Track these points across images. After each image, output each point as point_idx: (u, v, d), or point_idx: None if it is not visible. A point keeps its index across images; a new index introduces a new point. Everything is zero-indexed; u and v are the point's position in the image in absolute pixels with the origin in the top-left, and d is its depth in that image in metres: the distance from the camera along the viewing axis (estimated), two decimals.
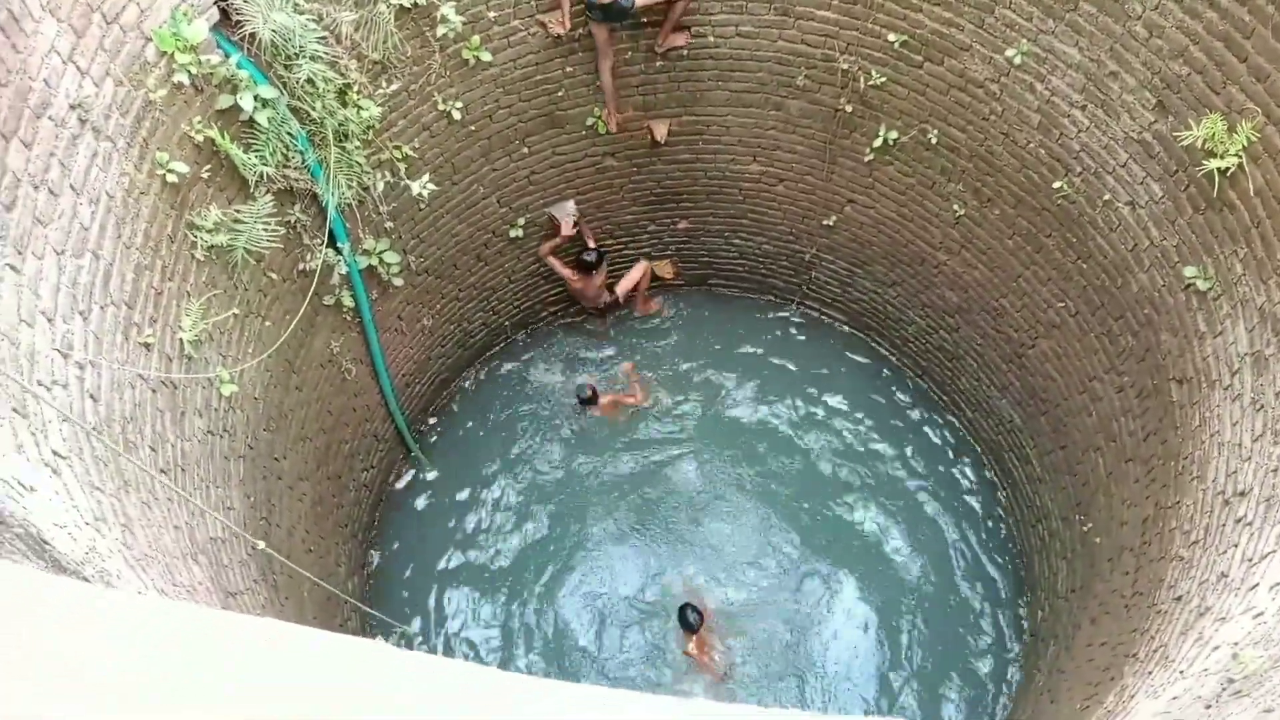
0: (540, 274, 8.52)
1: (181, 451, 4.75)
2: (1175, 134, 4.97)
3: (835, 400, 8.69)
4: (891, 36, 6.27)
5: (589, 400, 8.39)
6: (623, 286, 8.62)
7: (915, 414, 8.62)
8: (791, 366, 8.89)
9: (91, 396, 3.99)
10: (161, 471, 4.45)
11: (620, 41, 6.74)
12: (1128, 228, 5.60)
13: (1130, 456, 5.91)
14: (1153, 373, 5.62)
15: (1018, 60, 5.73)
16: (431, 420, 8.78)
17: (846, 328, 9.01)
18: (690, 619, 7.30)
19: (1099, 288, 6.05)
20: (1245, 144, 4.55)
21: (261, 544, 4.79)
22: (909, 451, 8.42)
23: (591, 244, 8.21)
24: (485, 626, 7.82)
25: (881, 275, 8.10)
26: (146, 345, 4.50)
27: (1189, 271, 5.12)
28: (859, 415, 8.60)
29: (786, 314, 9.16)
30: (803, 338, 9.05)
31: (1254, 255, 4.66)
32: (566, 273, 8.26)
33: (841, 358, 8.92)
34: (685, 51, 6.88)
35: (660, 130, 7.40)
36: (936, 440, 8.50)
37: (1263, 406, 4.42)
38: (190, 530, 4.61)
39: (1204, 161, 4.74)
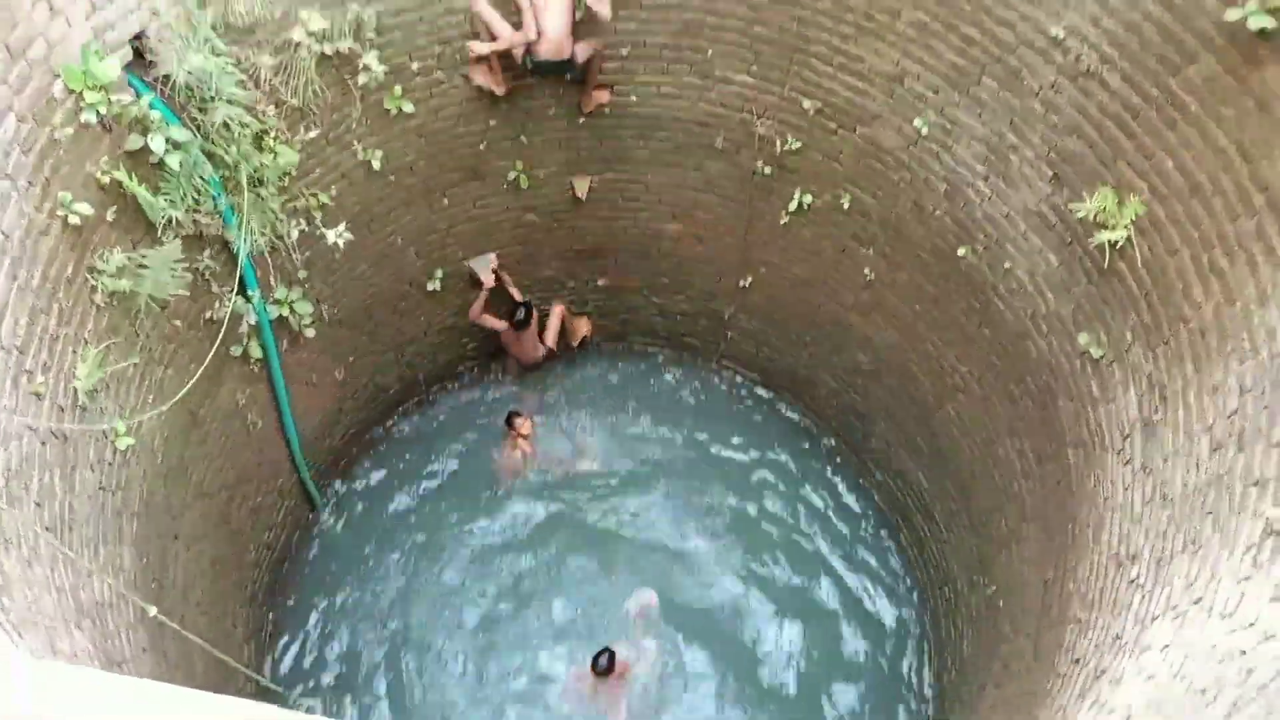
0: (458, 327, 8.45)
1: (70, 507, 4.50)
2: (1070, 206, 5.24)
3: (748, 458, 8.76)
4: (806, 104, 6.49)
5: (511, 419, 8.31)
6: (550, 337, 8.57)
7: (827, 474, 8.74)
8: (706, 424, 8.94)
9: None
10: (46, 529, 4.21)
11: (545, 101, 6.82)
12: (1027, 295, 5.85)
13: (1031, 519, 6.09)
14: (1051, 437, 5.83)
15: (924, 130, 5.98)
16: (339, 476, 8.54)
17: (761, 388, 9.13)
18: (601, 663, 7.21)
19: (1001, 352, 6.27)
20: (1134, 217, 4.81)
21: (153, 610, 4.55)
22: (820, 511, 8.51)
23: (518, 296, 8.16)
24: (386, 687, 7.54)
25: (796, 336, 8.27)
26: (37, 394, 4.29)
27: (1083, 338, 5.35)
28: (771, 475, 8.68)
29: (703, 372, 9.25)
30: (718, 396, 9.13)
31: (1143, 324, 4.90)
32: (501, 328, 8.18)
33: (756, 417, 9.02)
34: (608, 110, 6.98)
35: (581, 187, 7.47)
36: (847, 500, 8.61)
37: (1152, 471, 4.62)
38: (75, 592, 4.35)
39: (1096, 233, 4.99)
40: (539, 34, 6.03)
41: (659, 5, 6.27)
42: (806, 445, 8.87)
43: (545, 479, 8.57)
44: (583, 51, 6.28)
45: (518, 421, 8.44)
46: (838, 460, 8.78)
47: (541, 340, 8.54)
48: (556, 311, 8.59)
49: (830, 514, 8.50)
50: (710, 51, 6.48)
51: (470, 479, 8.57)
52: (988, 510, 6.76)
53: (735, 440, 8.85)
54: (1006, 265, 5.93)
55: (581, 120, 7.02)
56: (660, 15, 6.33)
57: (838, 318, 7.72)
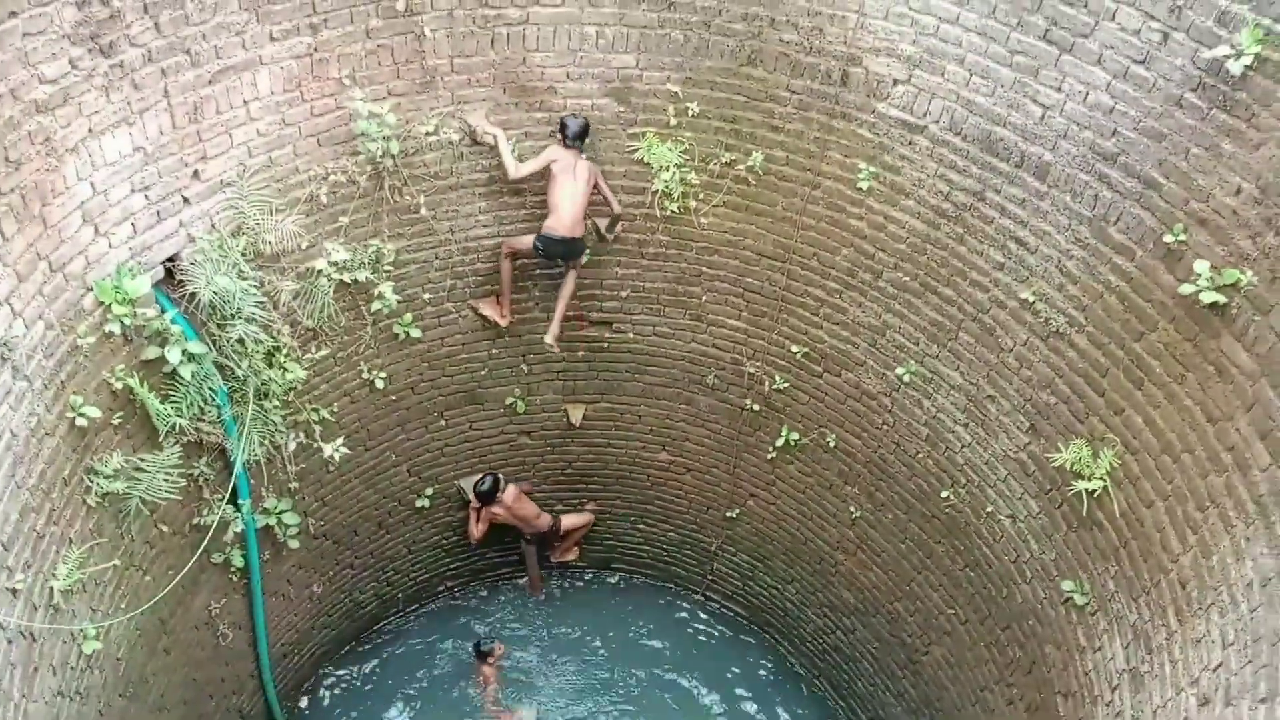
0: (441, 546, 8.39)
1: (25, 712, 4.32)
2: (1047, 455, 5.42)
3: (729, 699, 8.44)
4: (794, 348, 6.84)
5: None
6: (568, 521, 8.35)
7: (810, 718, 8.39)
8: (687, 658, 8.68)
9: None
10: None
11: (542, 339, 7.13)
12: (1010, 539, 5.91)
13: None
14: (1040, 685, 5.70)
15: (906, 378, 6.28)
16: (303, 697, 8.17)
17: (746, 622, 8.96)
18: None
19: (986, 597, 6.25)
20: (1109, 469, 4.98)
21: None
22: None
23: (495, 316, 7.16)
24: None
25: (781, 571, 8.22)
26: (14, 591, 4.24)
27: (1067, 586, 5.37)
28: (755, 710, 8.33)
29: (687, 604, 9.09)
30: (702, 629, 8.93)
31: (1124, 574, 4.95)
32: (479, 512, 7.84)
33: (740, 653, 8.78)
34: (606, 344, 7.33)
35: (576, 414, 7.69)
36: None
37: None
38: None
39: (1074, 482, 5.14)
40: (551, 211, 6.19)
41: (658, 255, 6.75)
42: (791, 686, 8.57)
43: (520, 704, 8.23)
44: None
45: (490, 647, 8.21)
46: (823, 704, 8.46)
47: (552, 514, 8.27)
48: (587, 516, 8.56)
49: None
50: (704, 297, 6.91)
51: (445, 706, 8.20)
52: None
53: (718, 677, 8.56)
54: (988, 509, 6.03)
55: (580, 353, 7.34)
56: (659, 264, 6.80)
57: (824, 555, 7.72)
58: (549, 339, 6.80)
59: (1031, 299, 5.32)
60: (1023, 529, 5.78)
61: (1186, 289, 4.40)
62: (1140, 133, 4.55)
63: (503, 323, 6.87)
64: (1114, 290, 4.89)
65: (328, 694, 8.25)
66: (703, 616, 9.01)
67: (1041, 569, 5.66)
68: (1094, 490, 5.05)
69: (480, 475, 7.67)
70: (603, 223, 6.55)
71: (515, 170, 5.99)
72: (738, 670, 8.64)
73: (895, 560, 7.07)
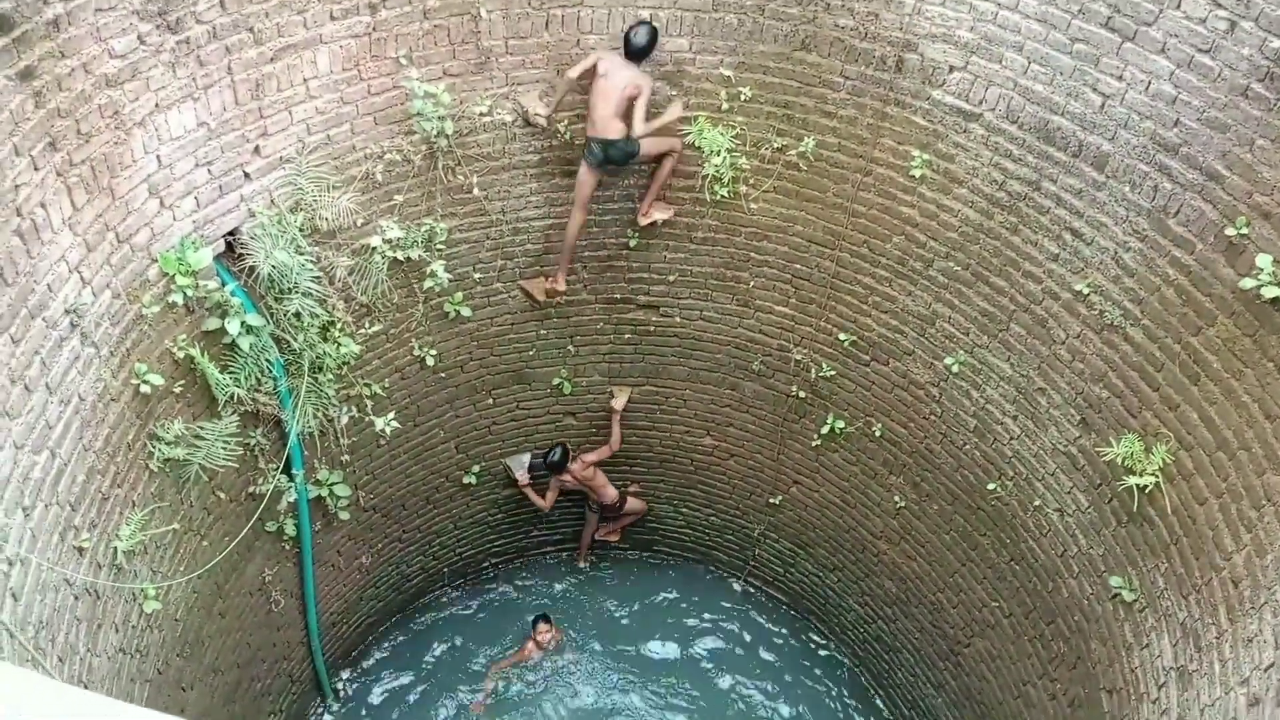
0: (487, 522, 8.52)
1: (89, 667, 4.51)
2: (1098, 449, 5.35)
3: (769, 684, 8.47)
4: (842, 336, 6.81)
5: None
6: (630, 503, 8.50)
7: (850, 706, 8.39)
8: (728, 644, 8.73)
9: (13, 595, 3.86)
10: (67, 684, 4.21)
11: (595, 316, 7.22)
12: (1057, 534, 5.85)
13: None
14: (1084, 681, 5.65)
15: (955, 369, 6.22)
16: (350, 666, 8.38)
17: (787, 608, 8.97)
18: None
19: (1032, 590, 6.19)
20: (1161, 465, 4.90)
21: None
22: None
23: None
24: None
25: (823, 559, 8.21)
26: (80, 549, 4.41)
27: (1115, 581, 5.30)
28: (794, 701, 8.36)
29: (728, 588, 9.13)
30: (743, 614, 8.96)
31: (1174, 571, 4.88)
32: (546, 483, 8.11)
33: (780, 639, 8.80)
34: (653, 328, 7.36)
35: (621, 399, 7.74)
36: None
37: None
38: None
39: (1125, 477, 5.07)
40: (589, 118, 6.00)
41: (706, 239, 6.76)
42: (831, 673, 8.58)
43: (561, 680, 8.34)
44: (654, 145, 6.14)
45: (541, 627, 8.33)
46: (863, 691, 8.45)
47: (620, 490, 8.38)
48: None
49: None
50: (752, 283, 6.90)
51: (476, 681, 8.35)
52: None
53: (758, 663, 8.60)
54: (1036, 503, 5.97)
55: (626, 336, 7.39)
56: (707, 249, 6.81)
57: (866, 544, 7.70)
58: (644, 218, 6.61)
59: (1086, 291, 5.24)
60: (1071, 523, 5.72)
61: (1248, 283, 4.31)
62: (1204, 123, 4.45)
63: (540, 298, 6.87)
64: (1172, 283, 4.80)
65: (374, 663, 8.44)
66: (744, 601, 9.04)
67: (1089, 564, 5.59)
68: (1145, 486, 4.97)
69: (551, 446, 7.80)
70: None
71: (568, 74, 5.83)
72: (781, 657, 8.65)
73: (939, 551, 7.03)
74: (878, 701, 8.40)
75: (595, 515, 8.55)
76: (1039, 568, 6.08)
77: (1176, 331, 4.83)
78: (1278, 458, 4.25)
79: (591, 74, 5.84)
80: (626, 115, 5.88)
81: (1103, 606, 5.48)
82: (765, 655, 8.67)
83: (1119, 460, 5.12)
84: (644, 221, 6.60)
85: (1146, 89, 4.63)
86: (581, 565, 9.16)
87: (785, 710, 8.31)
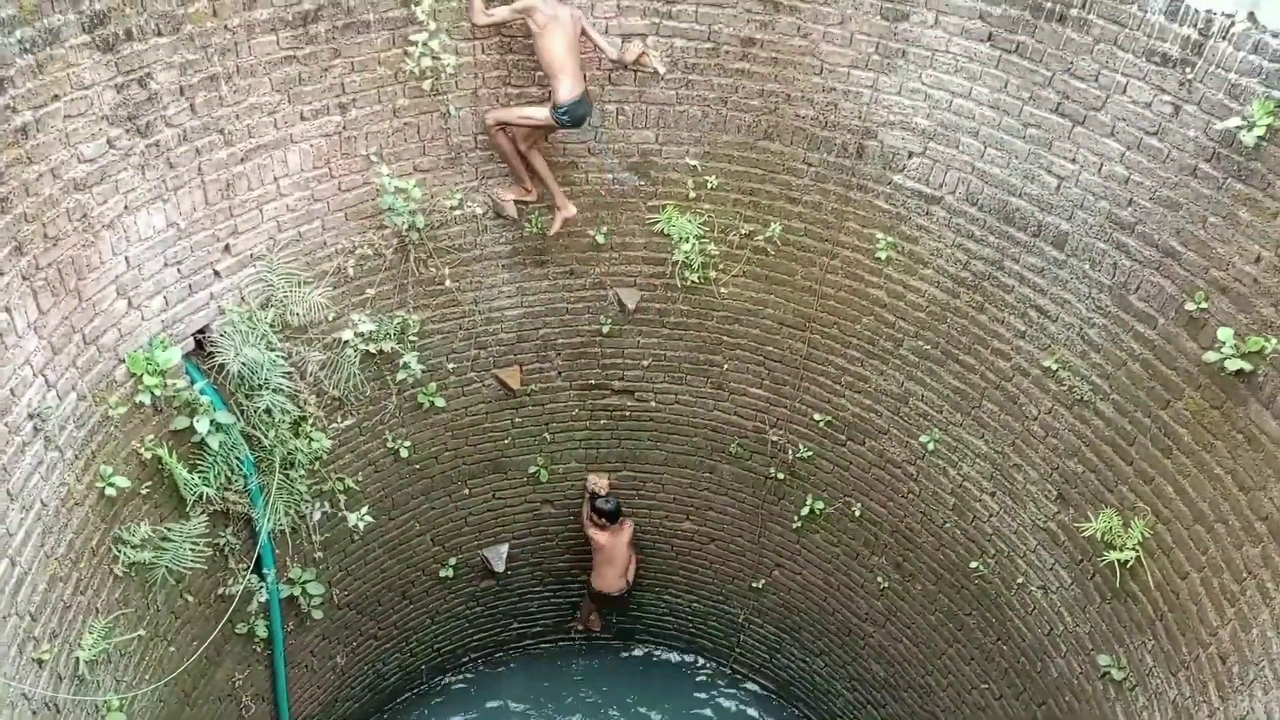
0: (465, 616, 8.34)
1: None
2: (1077, 524, 5.32)
3: None
4: (817, 416, 6.82)
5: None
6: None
7: None
8: None
9: None
10: None
11: (570, 403, 7.20)
12: (1042, 611, 5.78)
13: None
14: None
15: (930, 446, 6.23)
16: None
17: (774, 697, 8.76)
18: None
19: (1020, 671, 6.09)
20: (1140, 539, 4.88)
21: None
22: None
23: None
24: None
25: (809, 643, 8.07)
26: (39, 661, 4.26)
27: (1103, 660, 5.23)
28: None
29: (714, 677, 8.93)
30: (729, 703, 8.74)
31: (1161, 648, 4.81)
32: (593, 534, 7.60)
33: None
34: (628, 413, 7.35)
35: (599, 484, 7.67)
36: None
37: None
38: None
39: (1105, 552, 5.03)
40: (560, 71, 5.33)
41: (679, 325, 6.81)
42: None
43: None
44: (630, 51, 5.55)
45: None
46: None
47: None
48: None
49: None
50: (725, 366, 6.94)
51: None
52: None
53: None
54: (1019, 580, 5.91)
55: (602, 421, 7.36)
56: (680, 333, 6.85)
57: (852, 626, 7.57)
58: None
59: (1055, 367, 5.29)
60: (1055, 600, 5.66)
61: (1211, 356, 4.36)
62: (1156, 202, 4.57)
63: (529, 196, 6.00)
64: (1137, 358, 4.86)
65: None
66: (730, 689, 8.83)
67: (1076, 642, 5.51)
68: (1126, 560, 4.94)
69: (605, 496, 7.57)
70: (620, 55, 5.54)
71: (480, 15, 5.20)
72: None
73: (925, 632, 6.92)
74: None
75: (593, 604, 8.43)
76: (1026, 647, 6.00)
77: (1145, 405, 4.86)
78: (1254, 530, 4.25)
79: (539, 24, 5.18)
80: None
81: (1093, 686, 5.39)
82: None
83: (1098, 535, 5.10)
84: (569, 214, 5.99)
85: (1099, 170, 4.76)
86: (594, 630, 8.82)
87: None
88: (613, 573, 7.84)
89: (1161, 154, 4.48)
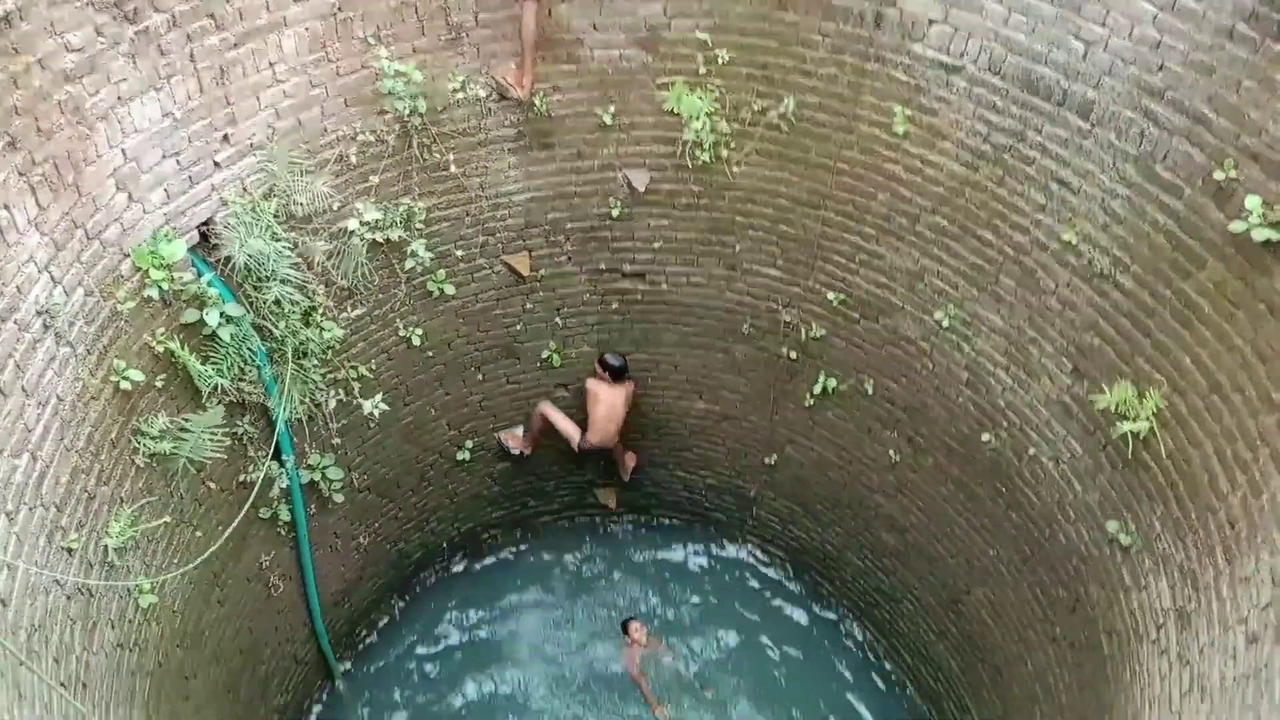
0: (483, 496, 8.52)
1: (86, 664, 4.50)
2: (1091, 397, 5.33)
3: (773, 638, 8.55)
4: (830, 295, 6.75)
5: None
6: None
7: (855, 656, 8.49)
8: (730, 603, 8.79)
9: (1, 601, 3.83)
10: (61, 685, 4.20)
11: (581, 287, 7.15)
12: (1053, 481, 5.86)
13: (1066, 708, 5.86)
14: (1084, 625, 5.69)
15: (945, 323, 6.18)
16: (356, 644, 8.41)
17: (788, 565, 9.02)
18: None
19: (1029, 538, 6.22)
20: (1155, 410, 4.89)
21: None
22: (848, 696, 8.21)
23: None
24: None
25: (821, 515, 8.24)
26: (69, 550, 4.38)
27: (1112, 526, 5.32)
28: (797, 656, 8.45)
29: (729, 549, 9.17)
30: (744, 574, 9.01)
31: (1170, 515, 4.89)
32: (592, 385, 7.55)
33: (782, 595, 8.86)
34: (640, 296, 7.30)
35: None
36: (877, 685, 8.33)
37: (1189, 662, 4.49)
38: None
39: (1118, 424, 5.05)
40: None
41: (690, 205, 6.67)
42: (835, 627, 8.66)
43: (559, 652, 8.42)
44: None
45: (632, 627, 8.30)
46: (867, 642, 8.55)
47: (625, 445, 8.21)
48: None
49: (859, 698, 8.20)
50: (738, 247, 6.83)
51: (490, 650, 8.40)
52: (1021, 699, 6.52)
53: (761, 618, 8.67)
54: (1031, 452, 5.97)
55: (614, 305, 7.33)
56: (691, 214, 6.72)
57: (864, 499, 7.72)
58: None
59: (1074, 240, 5.18)
60: (1066, 471, 5.72)
61: (1237, 226, 4.25)
62: (1189, 66, 4.37)
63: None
64: (1161, 229, 4.75)
65: (379, 640, 8.47)
66: (745, 561, 9.08)
67: (1086, 510, 5.60)
68: (1139, 431, 4.95)
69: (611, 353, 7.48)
70: None
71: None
72: (784, 612, 8.72)
73: (936, 503, 7.05)
74: (880, 650, 8.47)
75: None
76: (1036, 515, 6.10)
77: (1167, 277, 4.78)
78: (1271, 400, 4.24)
79: None
80: None
81: (1100, 551, 5.51)
82: (768, 609, 8.73)
83: (1112, 407, 5.10)
84: (522, 94, 5.90)
85: (1130, 34, 4.54)
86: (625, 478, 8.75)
87: (790, 666, 8.39)
88: (609, 427, 7.69)
89: (1197, 15, 4.25)
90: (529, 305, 7.17)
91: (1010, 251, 5.60)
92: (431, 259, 6.30)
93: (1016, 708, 6.59)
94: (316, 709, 8.00)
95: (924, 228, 5.97)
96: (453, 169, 6.06)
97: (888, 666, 8.40)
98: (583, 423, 7.72)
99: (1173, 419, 4.86)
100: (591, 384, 7.54)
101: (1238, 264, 4.39)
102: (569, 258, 6.96)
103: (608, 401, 7.54)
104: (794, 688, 8.26)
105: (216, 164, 4.97)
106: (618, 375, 7.48)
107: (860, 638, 8.59)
